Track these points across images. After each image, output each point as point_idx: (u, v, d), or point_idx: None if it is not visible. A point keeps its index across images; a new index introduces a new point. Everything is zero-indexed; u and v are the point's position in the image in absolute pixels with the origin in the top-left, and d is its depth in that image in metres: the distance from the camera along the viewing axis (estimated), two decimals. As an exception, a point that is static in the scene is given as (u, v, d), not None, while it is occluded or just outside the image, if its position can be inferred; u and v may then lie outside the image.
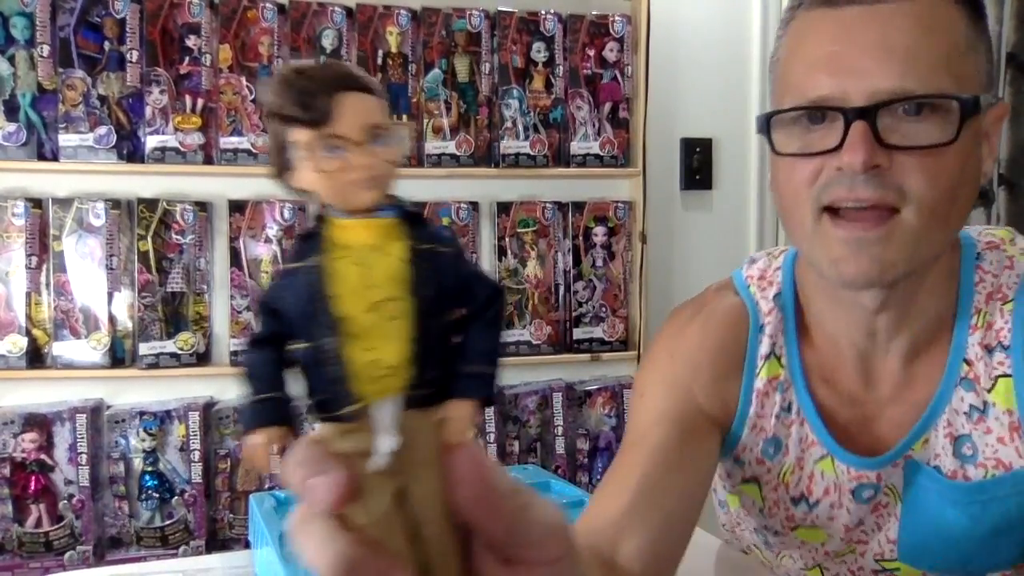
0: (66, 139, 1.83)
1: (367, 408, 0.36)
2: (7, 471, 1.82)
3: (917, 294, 0.77)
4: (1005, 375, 0.77)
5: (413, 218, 0.39)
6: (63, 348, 1.85)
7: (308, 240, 0.39)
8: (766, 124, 0.75)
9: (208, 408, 1.93)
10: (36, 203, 1.85)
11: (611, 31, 2.12)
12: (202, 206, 1.92)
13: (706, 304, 0.90)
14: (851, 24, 0.71)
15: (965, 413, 0.79)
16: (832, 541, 0.85)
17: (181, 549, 1.89)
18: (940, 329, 0.80)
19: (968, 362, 0.79)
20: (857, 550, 0.85)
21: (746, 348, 0.86)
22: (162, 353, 1.89)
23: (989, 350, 0.78)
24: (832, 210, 0.72)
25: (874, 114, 0.68)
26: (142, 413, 1.89)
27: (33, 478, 1.83)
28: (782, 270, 0.88)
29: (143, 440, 1.88)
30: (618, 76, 2.13)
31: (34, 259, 1.84)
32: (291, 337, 0.39)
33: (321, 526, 0.33)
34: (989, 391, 0.78)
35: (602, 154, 2.11)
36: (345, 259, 0.37)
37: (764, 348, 0.86)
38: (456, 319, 0.40)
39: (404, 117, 1.99)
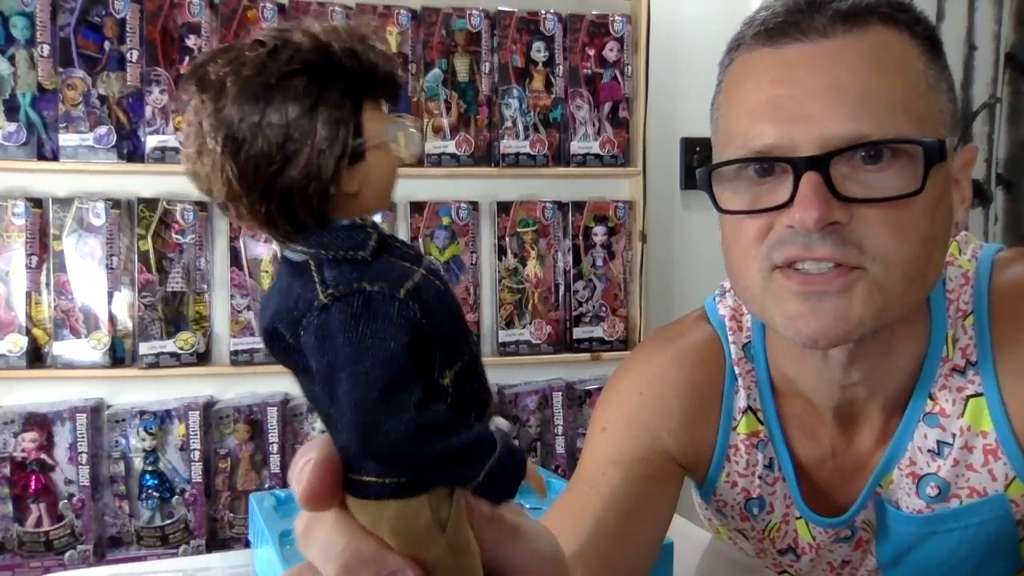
0: (66, 139, 1.83)
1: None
2: (7, 471, 1.82)
3: (892, 342, 0.71)
4: (976, 394, 0.72)
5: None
6: (63, 348, 1.85)
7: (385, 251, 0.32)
8: (707, 179, 0.68)
9: (208, 408, 1.93)
10: (36, 203, 1.85)
11: (611, 31, 2.12)
12: (202, 206, 1.92)
13: (682, 334, 0.84)
14: (795, 64, 0.64)
15: (930, 451, 0.73)
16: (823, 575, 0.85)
17: (181, 548, 1.89)
18: (919, 370, 0.74)
19: (932, 397, 0.73)
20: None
21: (722, 388, 0.81)
22: (162, 353, 1.88)
23: (960, 372, 0.72)
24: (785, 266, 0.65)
25: (827, 164, 0.61)
26: (142, 412, 1.89)
27: (33, 477, 1.83)
28: (750, 316, 0.82)
29: (143, 439, 1.88)
30: (618, 76, 2.13)
31: (34, 259, 1.84)
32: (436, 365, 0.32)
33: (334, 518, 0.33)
34: (960, 416, 0.72)
35: (602, 154, 2.11)
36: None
37: (741, 401, 0.80)
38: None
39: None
